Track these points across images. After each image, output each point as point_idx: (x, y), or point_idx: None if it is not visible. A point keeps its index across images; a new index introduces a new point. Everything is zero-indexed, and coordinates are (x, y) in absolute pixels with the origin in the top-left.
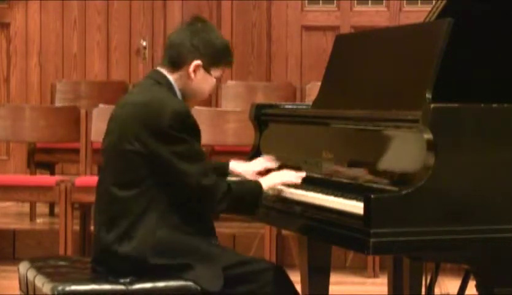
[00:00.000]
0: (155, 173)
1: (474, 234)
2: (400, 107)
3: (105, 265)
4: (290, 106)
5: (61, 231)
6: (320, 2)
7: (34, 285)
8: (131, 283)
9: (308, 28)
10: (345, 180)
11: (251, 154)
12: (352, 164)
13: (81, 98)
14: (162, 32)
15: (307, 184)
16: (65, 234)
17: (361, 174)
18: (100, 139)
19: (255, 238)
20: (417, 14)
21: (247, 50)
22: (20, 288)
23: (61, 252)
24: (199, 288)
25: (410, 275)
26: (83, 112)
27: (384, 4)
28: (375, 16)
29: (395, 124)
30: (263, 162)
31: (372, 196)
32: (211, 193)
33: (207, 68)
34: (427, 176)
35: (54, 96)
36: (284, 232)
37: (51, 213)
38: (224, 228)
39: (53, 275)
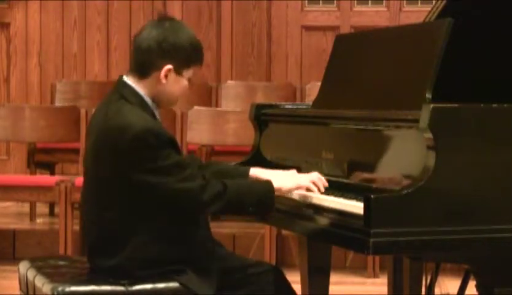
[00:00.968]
0: (135, 194)
1: (474, 234)
2: (400, 107)
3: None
4: (290, 106)
5: (61, 231)
6: (320, 2)
7: (34, 285)
8: (131, 284)
9: (308, 28)
10: (345, 180)
11: (251, 154)
12: (352, 164)
13: (81, 98)
14: None
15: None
16: (65, 234)
17: (361, 174)
18: None
19: (255, 238)
20: (417, 14)
21: (247, 50)
22: (20, 288)
23: (61, 252)
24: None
25: (410, 275)
26: (83, 112)
27: (383, 4)
28: (375, 16)
29: (395, 124)
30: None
31: (372, 196)
32: (196, 195)
33: (178, 71)
34: (427, 176)
35: (54, 96)
36: (284, 232)
37: (51, 213)
38: (225, 228)
39: (53, 275)
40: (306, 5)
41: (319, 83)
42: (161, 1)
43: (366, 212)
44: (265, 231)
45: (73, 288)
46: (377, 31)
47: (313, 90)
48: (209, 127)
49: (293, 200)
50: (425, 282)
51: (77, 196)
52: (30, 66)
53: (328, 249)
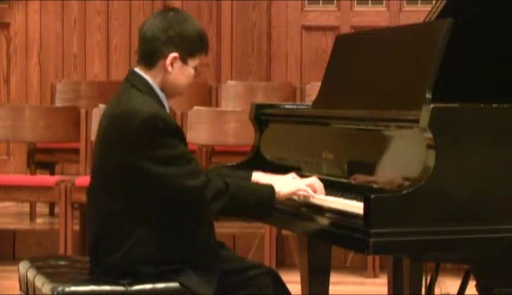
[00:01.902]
0: (140, 184)
1: (474, 234)
2: (400, 107)
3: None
4: (290, 106)
5: (61, 231)
6: (320, 2)
7: (34, 285)
8: (131, 284)
9: (308, 28)
10: (345, 180)
11: (251, 154)
12: (352, 164)
13: (81, 98)
14: None
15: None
16: (65, 234)
17: (361, 174)
18: None
19: (255, 238)
20: (417, 14)
21: (247, 50)
22: (20, 288)
23: (61, 252)
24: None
25: (410, 275)
26: (83, 112)
27: (383, 4)
28: (375, 16)
29: (395, 124)
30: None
31: (372, 196)
32: (199, 193)
33: (184, 59)
34: (427, 176)
35: (54, 96)
36: (284, 232)
37: (51, 213)
38: (225, 228)
39: (53, 275)
40: (306, 5)
41: (319, 83)
42: (161, 1)
43: (366, 212)
44: (265, 231)
45: (73, 288)
46: (377, 31)
47: (313, 90)
48: (209, 127)
49: (293, 200)
50: (425, 282)
51: (77, 196)
52: (30, 66)
53: (328, 249)
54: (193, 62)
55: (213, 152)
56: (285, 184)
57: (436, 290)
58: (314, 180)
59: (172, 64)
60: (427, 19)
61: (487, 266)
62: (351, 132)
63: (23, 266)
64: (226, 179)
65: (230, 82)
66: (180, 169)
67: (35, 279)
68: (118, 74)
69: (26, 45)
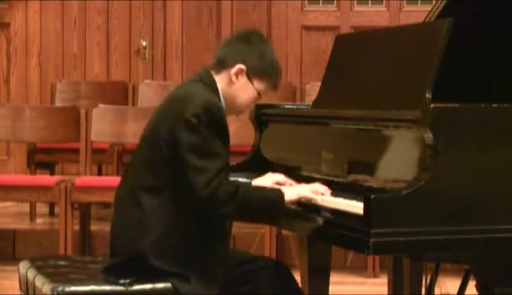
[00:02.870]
0: (174, 165)
1: (474, 234)
2: (400, 107)
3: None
4: (290, 106)
5: (61, 231)
6: (320, 2)
7: (34, 285)
8: (131, 284)
9: (308, 28)
10: (345, 180)
11: (251, 154)
12: (352, 164)
13: (81, 98)
14: (162, 32)
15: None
16: (65, 234)
17: (361, 174)
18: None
19: (255, 238)
20: (417, 14)
21: None
22: (20, 288)
23: (61, 252)
24: None
25: (410, 275)
26: (83, 112)
27: (383, 4)
28: (375, 16)
29: (395, 124)
30: (273, 178)
31: (372, 196)
32: (215, 195)
33: (250, 76)
34: (427, 176)
35: (54, 96)
36: (284, 232)
37: (51, 213)
38: None
39: (53, 275)
40: (306, 5)
41: (319, 83)
42: (161, 1)
43: (366, 212)
44: (265, 231)
45: (73, 288)
46: (377, 31)
47: (313, 90)
48: None
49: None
50: (425, 282)
51: (77, 196)
52: (30, 66)
53: (328, 249)
54: (258, 85)
55: None
56: (288, 192)
57: (436, 290)
58: (318, 185)
59: (237, 74)
60: (427, 19)
61: (487, 266)
62: (351, 132)
63: (23, 266)
64: (236, 182)
65: None
66: (208, 165)
67: (35, 279)
68: (118, 74)
69: (26, 45)
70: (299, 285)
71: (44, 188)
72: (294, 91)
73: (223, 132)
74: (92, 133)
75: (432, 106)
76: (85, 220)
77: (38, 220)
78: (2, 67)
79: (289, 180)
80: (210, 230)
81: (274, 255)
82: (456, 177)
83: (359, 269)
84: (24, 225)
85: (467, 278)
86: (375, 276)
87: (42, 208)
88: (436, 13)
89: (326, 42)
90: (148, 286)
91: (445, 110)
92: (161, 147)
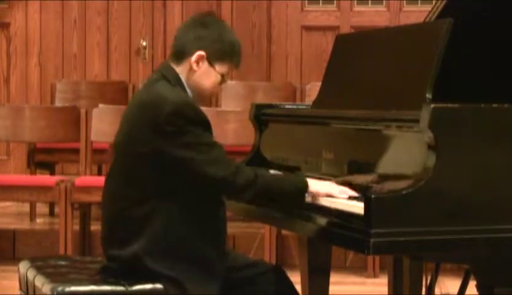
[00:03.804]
0: (166, 171)
1: (474, 234)
2: (400, 107)
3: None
4: (290, 106)
5: (61, 231)
6: (320, 2)
7: (34, 285)
8: (131, 284)
9: (308, 28)
10: (345, 181)
11: (251, 154)
12: (352, 164)
13: (81, 98)
14: (162, 32)
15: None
16: (65, 234)
17: (361, 174)
18: (100, 139)
19: (255, 238)
20: (417, 14)
21: (247, 50)
22: (20, 288)
23: (61, 252)
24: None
25: (410, 275)
26: (83, 112)
27: (383, 4)
28: (375, 16)
29: (395, 124)
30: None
31: (372, 196)
32: (229, 182)
33: (211, 61)
34: (427, 176)
35: (54, 96)
36: (284, 232)
37: (51, 213)
38: None
39: (53, 275)
40: (306, 5)
41: (319, 83)
42: (161, 1)
43: (367, 212)
44: (265, 231)
45: (73, 288)
46: (377, 31)
47: (313, 90)
48: None
49: None
50: (425, 282)
51: (77, 196)
52: (30, 66)
53: (328, 249)
54: (220, 68)
55: None
56: (319, 184)
57: (436, 290)
58: (346, 189)
59: (197, 62)
60: (427, 19)
61: (487, 266)
62: (351, 132)
63: (23, 266)
64: (254, 169)
65: (230, 82)
66: (207, 157)
67: (35, 279)
68: (118, 74)
69: (26, 45)
70: (296, 288)
71: (44, 188)
72: (294, 91)
73: (205, 124)
74: (92, 133)
75: (432, 106)
76: (85, 220)
77: (38, 220)
78: (2, 67)
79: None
80: (202, 232)
81: (274, 255)
82: (456, 177)
83: (359, 269)
84: (24, 225)
85: (467, 278)
86: (375, 276)
87: (42, 208)
88: (436, 13)
89: (326, 42)
90: (148, 286)
91: (445, 110)
92: (141, 159)
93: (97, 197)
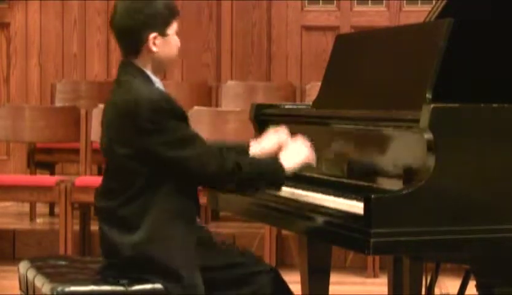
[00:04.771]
0: (151, 174)
1: (474, 234)
2: (400, 107)
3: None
4: (290, 106)
5: (61, 231)
6: (320, 2)
7: (34, 285)
8: (130, 284)
9: (308, 28)
10: (345, 180)
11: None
12: (352, 164)
13: (81, 98)
14: None
15: (308, 184)
16: (65, 234)
17: (361, 174)
18: None
19: (255, 238)
20: (417, 14)
21: (247, 50)
22: (20, 288)
23: (61, 252)
24: None
25: (410, 275)
26: (83, 112)
27: (383, 4)
28: (375, 16)
29: (395, 124)
30: (274, 138)
31: (372, 196)
32: (217, 176)
33: (163, 33)
34: (427, 176)
35: (54, 96)
36: (284, 232)
37: (51, 213)
38: (225, 228)
39: (53, 275)
40: (306, 5)
41: (319, 83)
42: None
43: (366, 212)
44: (265, 231)
45: (73, 288)
46: (377, 31)
47: (313, 90)
48: (209, 127)
49: (294, 200)
50: (425, 282)
51: (77, 196)
52: (30, 66)
53: (328, 249)
54: (172, 30)
55: None
56: (288, 162)
57: (436, 290)
58: (308, 151)
59: (154, 42)
60: (427, 19)
61: (487, 266)
62: (351, 132)
63: (23, 266)
64: (237, 158)
65: (230, 82)
66: (193, 151)
67: (35, 279)
68: None
69: (26, 45)
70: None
71: (44, 188)
72: (294, 91)
73: (182, 115)
74: (92, 133)
75: (432, 106)
76: (84, 220)
77: (38, 220)
78: (2, 67)
79: (290, 138)
80: (182, 214)
81: (274, 256)
82: (456, 177)
83: (359, 269)
84: (24, 225)
85: (467, 278)
86: (375, 276)
87: (42, 208)
88: (436, 13)
89: (326, 42)
90: (148, 286)
91: (445, 110)
92: (128, 159)
93: None
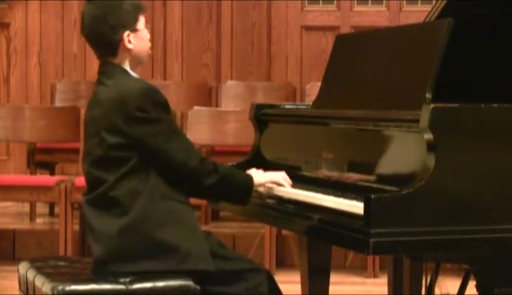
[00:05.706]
0: (143, 160)
1: (474, 234)
2: (400, 107)
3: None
4: (290, 106)
5: (61, 231)
6: (320, 2)
7: (34, 285)
8: (131, 283)
9: (308, 28)
10: (345, 181)
11: (251, 154)
12: (352, 164)
13: (81, 98)
14: (162, 32)
15: (308, 184)
16: (65, 234)
17: (361, 174)
18: None
19: (255, 238)
20: (417, 14)
21: (247, 50)
22: (20, 288)
23: (61, 252)
24: (198, 288)
25: (410, 275)
26: (83, 112)
27: (383, 4)
28: (375, 16)
29: (395, 124)
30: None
31: (372, 196)
32: (198, 169)
33: (134, 29)
34: (427, 176)
35: (54, 96)
36: (284, 232)
37: (51, 213)
38: (225, 228)
39: (53, 275)
40: (306, 5)
41: (319, 83)
42: (161, 1)
43: (366, 212)
44: (265, 231)
45: (73, 287)
46: (377, 31)
47: (313, 90)
48: (209, 127)
49: (294, 200)
50: (425, 282)
51: (77, 196)
52: (30, 66)
53: (328, 249)
54: (141, 24)
55: (213, 152)
56: (259, 175)
57: (436, 290)
58: (283, 174)
59: (129, 41)
60: (427, 19)
61: (487, 266)
62: (351, 132)
63: (23, 267)
64: (215, 161)
65: (230, 82)
66: (179, 144)
67: (35, 279)
68: None
69: (26, 45)
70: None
71: (44, 188)
72: (294, 91)
73: (167, 105)
74: None
75: (432, 106)
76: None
77: (38, 220)
78: (2, 67)
79: (289, 181)
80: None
81: (274, 256)
82: (456, 177)
83: (359, 269)
84: (24, 225)
85: (467, 278)
86: (375, 276)
87: (42, 208)
88: (436, 13)
89: (326, 42)
90: (148, 285)
91: (445, 110)
92: (116, 148)
93: None
